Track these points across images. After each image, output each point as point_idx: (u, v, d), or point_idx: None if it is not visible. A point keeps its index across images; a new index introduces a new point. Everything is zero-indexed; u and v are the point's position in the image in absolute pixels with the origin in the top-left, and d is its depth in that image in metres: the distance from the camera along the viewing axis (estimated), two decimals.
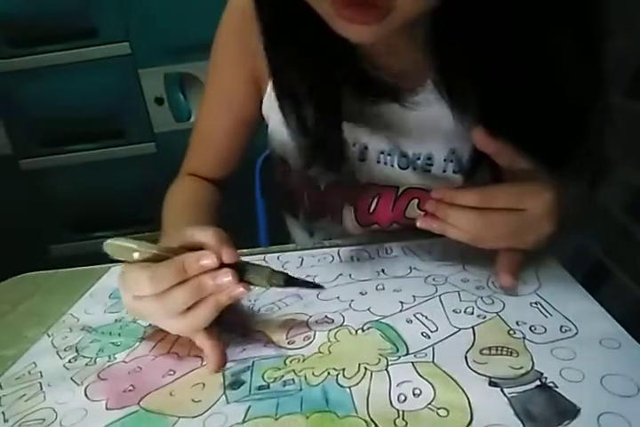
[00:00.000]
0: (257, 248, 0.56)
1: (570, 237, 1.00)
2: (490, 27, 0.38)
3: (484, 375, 0.30)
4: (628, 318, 0.85)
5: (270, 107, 0.56)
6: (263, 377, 0.32)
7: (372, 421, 0.27)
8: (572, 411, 0.26)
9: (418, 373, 0.31)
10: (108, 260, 0.36)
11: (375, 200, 0.56)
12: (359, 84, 0.48)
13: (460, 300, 0.39)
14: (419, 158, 0.53)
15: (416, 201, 0.55)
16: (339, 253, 0.51)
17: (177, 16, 1.44)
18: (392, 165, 0.53)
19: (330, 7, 0.33)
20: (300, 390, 0.31)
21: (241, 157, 0.64)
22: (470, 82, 0.43)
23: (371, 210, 0.57)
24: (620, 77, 0.84)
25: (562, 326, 0.34)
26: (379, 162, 0.54)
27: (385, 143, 0.53)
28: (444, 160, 0.52)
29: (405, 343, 0.34)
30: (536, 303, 0.37)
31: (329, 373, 0.32)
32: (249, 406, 0.30)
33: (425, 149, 0.52)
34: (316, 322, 0.38)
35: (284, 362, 0.34)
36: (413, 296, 0.40)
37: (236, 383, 0.32)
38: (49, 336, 0.40)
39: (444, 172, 0.53)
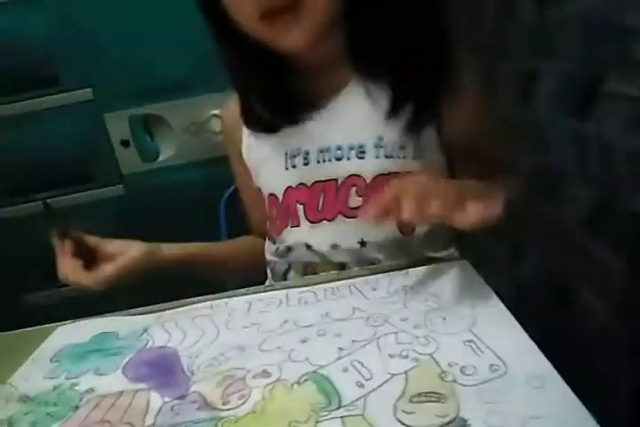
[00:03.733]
0: (207, 295, 0.55)
1: (529, 257, 1.01)
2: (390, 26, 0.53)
3: (408, 426, 0.30)
4: (592, 333, 0.85)
5: (248, 149, 0.68)
6: None
7: None
8: None
9: None
10: None
11: (321, 196, 0.61)
12: (290, 102, 0.61)
13: (397, 342, 0.39)
14: (352, 149, 0.60)
15: (355, 189, 0.60)
16: (287, 297, 0.51)
17: (137, 59, 1.46)
18: (330, 160, 0.60)
19: (263, 30, 0.51)
20: None
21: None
22: (385, 73, 0.57)
23: (319, 207, 0.62)
24: (568, 100, 0.87)
25: (492, 365, 0.34)
26: (318, 162, 0.61)
27: (322, 143, 0.61)
28: (375, 147, 0.59)
29: (339, 395, 0.34)
30: (469, 341, 0.37)
31: None
32: None
33: (356, 139, 0.60)
34: (254, 377, 0.38)
35: (216, 426, 0.33)
36: (352, 341, 0.40)
37: None
38: None
39: (377, 157, 0.59)
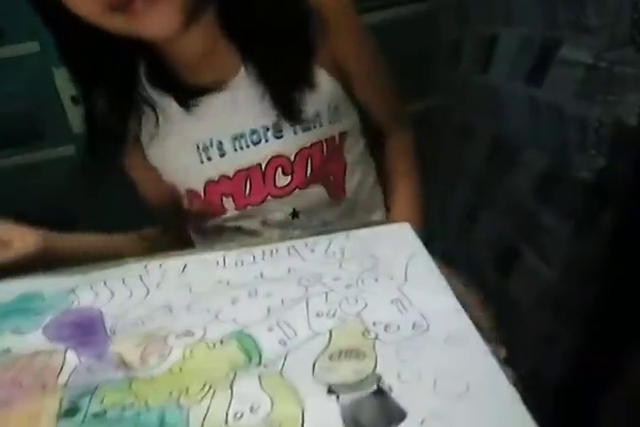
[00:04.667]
0: (141, 257, 0.53)
1: (481, 223, 1.03)
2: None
3: (326, 383, 0.29)
4: (538, 297, 0.88)
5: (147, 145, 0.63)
6: (102, 403, 0.30)
7: None
8: (399, 416, 0.26)
9: (262, 386, 0.30)
10: None
11: (247, 184, 0.60)
12: (181, 91, 0.58)
13: (326, 301, 0.38)
14: (268, 129, 0.58)
15: (280, 169, 0.59)
16: (224, 258, 0.49)
17: None
18: (248, 146, 0.59)
19: (116, 23, 0.47)
20: (138, 414, 0.29)
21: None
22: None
23: (246, 194, 0.60)
24: (521, 65, 0.86)
25: (415, 324, 0.34)
26: (235, 150, 0.59)
27: (234, 130, 0.58)
28: (290, 124, 0.57)
29: (260, 354, 0.33)
30: (396, 300, 0.37)
31: (172, 394, 0.30)
32: None
33: (269, 120, 0.57)
34: (176, 337, 0.36)
35: (130, 385, 0.32)
36: (282, 300, 0.39)
37: (71, 411, 0.30)
38: None
39: (295, 133, 0.58)
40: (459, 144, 1.12)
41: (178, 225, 0.71)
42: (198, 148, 0.59)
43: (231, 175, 0.60)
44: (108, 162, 0.64)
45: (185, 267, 0.49)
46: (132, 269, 0.49)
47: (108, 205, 0.65)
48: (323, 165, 0.61)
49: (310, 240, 0.50)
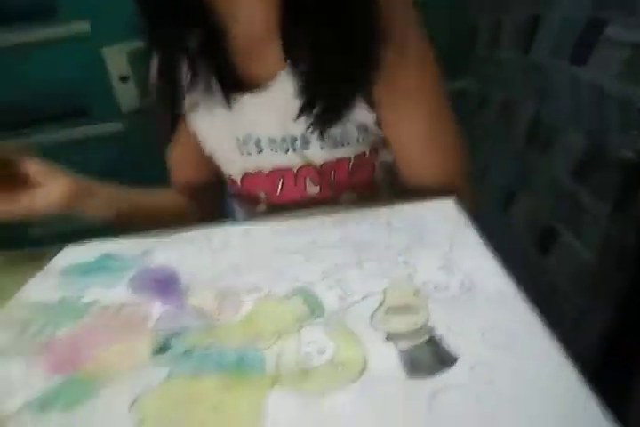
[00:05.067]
0: (205, 225, 0.58)
1: (520, 204, 1.04)
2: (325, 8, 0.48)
3: (383, 332, 0.33)
4: (574, 276, 0.90)
5: (191, 119, 0.64)
6: (188, 343, 0.35)
7: (278, 378, 0.31)
8: (451, 360, 0.30)
9: (326, 334, 0.34)
10: None
11: (280, 183, 0.62)
12: (230, 78, 0.58)
13: (379, 265, 0.42)
14: (296, 140, 0.59)
15: (309, 179, 0.61)
16: (279, 226, 0.54)
17: None
18: (279, 151, 0.60)
19: None
20: (220, 354, 0.34)
21: (206, 177, 0.71)
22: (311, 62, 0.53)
23: (277, 193, 0.63)
24: (565, 44, 0.86)
25: (462, 284, 0.37)
26: (272, 150, 0.61)
27: (270, 132, 0.59)
28: (318, 140, 0.58)
29: (322, 308, 0.37)
30: (444, 265, 0.40)
31: (247, 338, 0.35)
32: (171, 369, 0.33)
33: (297, 131, 0.58)
34: (247, 292, 0.41)
35: (210, 330, 0.37)
36: (337, 264, 0.43)
37: (162, 349, 0.35)
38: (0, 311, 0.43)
39: (322, 148, 0.59)
40: (498, 124, 1.13)
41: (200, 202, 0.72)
42: (238, 140, 0.62)
43: (266, 172, 0.63)
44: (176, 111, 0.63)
45: (246, 233, 0.53)
46: (199, 235, 0.54)
47: (149, 179, 0.69)
48: (350, 177, 0.62)
49: (357, 213, 0.54)
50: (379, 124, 0.58)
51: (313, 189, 0.62)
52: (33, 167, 0.52)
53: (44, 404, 0.31)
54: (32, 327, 0.40)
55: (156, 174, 0.74)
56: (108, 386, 0.32)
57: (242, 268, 0.45)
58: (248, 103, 0.58)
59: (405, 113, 0.56)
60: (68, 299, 0.44)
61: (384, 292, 0.38)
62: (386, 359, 0.31)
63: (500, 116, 1.13)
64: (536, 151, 0.97)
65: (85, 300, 0.44)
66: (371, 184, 0.64)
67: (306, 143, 0.59)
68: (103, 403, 0.31)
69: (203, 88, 0.59)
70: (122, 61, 1.49)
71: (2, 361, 0.36)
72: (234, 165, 0.64)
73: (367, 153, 0.61)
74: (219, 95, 0.59)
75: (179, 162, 0.71)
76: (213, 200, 0.75)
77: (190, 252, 0.50)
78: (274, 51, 0.55)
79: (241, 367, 0.32)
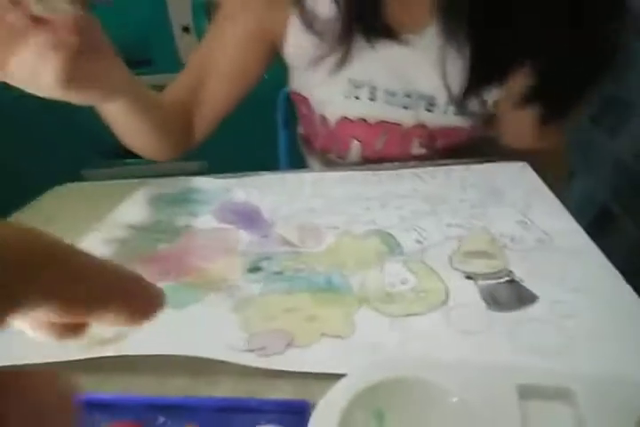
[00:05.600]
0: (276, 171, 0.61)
1: (578, 183, 1.03)
2: None
3: (463, 271, 0.36)
4: (629, 262, 0.89)
5: (294, 44, 0.58)
6: (279, 266, 0.39)
7: (365, 299, 0.34)
8: (531, 298, 0.32)
9: (407, 268, 0.37)
10: None
11: (383, 137, 0.61)
12: (370, 22, 0.53)
13: (454, 216, 0.44)
14: (422, 99, 0.57)
15: (418, 140, 0.60)
16: (352, 176, 0.56)
17: None
18: (396, 105, 0.58)
19: None
20: (309, 276, 0.37)
21: (218, 105, 0.63)
22: (469, 25, 0.49)
23: (377, 147, 0.62)
24: None
25: (539, 239, 0.39)
26: (386, 102, 0.58)
27: (392, 84, 0.57)
28: (446, 103, 0.56)
29: (401, 247, 0.40)
30: (521, 221, 0.42)
31: (334, 265, 0.38)
32: (264, 285, 0.36)
33: (427, 90, 0.56)
34: (326, 228, 0.44)
35: (297, 256, 0.40)
36: (413, 212, 0.46)
37: (255, 269, 0.39)
38: (97, 232, 0.47)
39: (445, 113, 0.57)
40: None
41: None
42: (350, 81, 0.58)
43: (372, 123, 0.60)
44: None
45: (319, 180, 0.56)
46: (275, 179, 0.57)
47: None
48: (459, 145, 0.61)
49: (431, 169, 0.55)
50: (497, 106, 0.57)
51: (417, 151, 0.61)
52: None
53: None
54: (131, 243, 0.45)
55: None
56: (210, 294, 0.36)
57: (318, 210, 0.48)
58: (381, 50, 0.55)
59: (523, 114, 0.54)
60: (163, 222, 0.48)
61: (461, 238, 0.40)
62: (467, 293, 0.33)
63: None
64: (603, 130, 0.95)
65: (178, 223, 0.47)
66: (467, 155, 0.62)
67: (432, 105, 0.57)
68: (208, 306, 0.34)
69: (341, 23, 0.53)
70: (185, 11, 1.50)
71: None
72: (333, 104, 0.60)
73: (480, 127, 0.59)
74: (354, 35, 0.54)
75: (194, 79, 0.61)
76: (198, 132, 0.64)
77: (268, 192, 0.53)
78: (424, 3, 0.52)
79: (330, 288, 0.35)
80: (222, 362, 0.29)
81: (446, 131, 0.59)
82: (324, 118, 0.63)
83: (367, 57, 0.55)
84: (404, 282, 0.35)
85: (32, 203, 0.57)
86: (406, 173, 0.55)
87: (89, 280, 0.16)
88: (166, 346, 0.30)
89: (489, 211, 0.44)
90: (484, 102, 0.56)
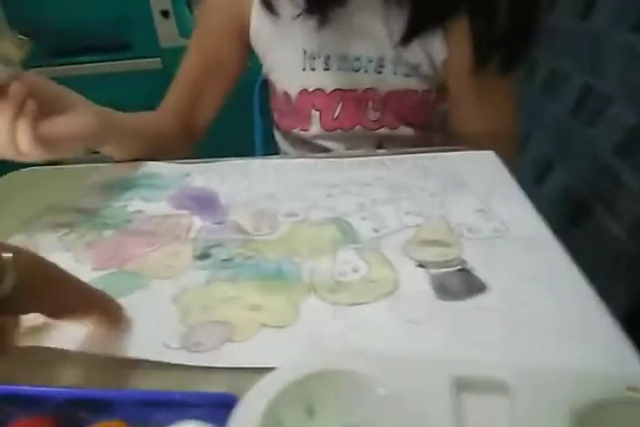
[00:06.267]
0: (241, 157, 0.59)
1: (556, 175, 1.02)
2: None
3: (415, 259, 0.35)
4: (606, 256, 0.89)
5: (256, 26, 0.61)
6: (228, 253, 0.37)
7: (313, 287, 0.33)
8: (481, 287, 0.31)
9: (360, 256, 0.36)
10: None
11: (339, 105, 0.62)
12: None
13: (414, 204, 0.43)
14: (371, 61, 0.59)
15: (371, 103, 0.62)
16: (316, 164, 0.54)
17: None
18: (349, 70, 0.60)
19: None
20: (259, 264, 0.36)
21: (214, 102, 0.67)
22: None
23: (335, 115, 0.63)
24: (627, 13, 0.82)
25: (496, 229, 0.38)
26: (339, 69, 0.60)
27: (343, 49, 0.59)
28: (393, 63, 0.59)
29: (356, 235, 0.39)
30: (480, 210, 0.41)
31: (286, 253, 0.37)
32: (211, 273, 0.35)
33: (375, 52, 0.59)
34: (284, 215, 0.43)
35: (249, 244, 0.39)
36: (373, 200, 0.44)
37: (204, 256, 0.37)
38: (46, 217, 0.45)
39: (395, 74, 0.60)
40: (544, 92, 1.10)
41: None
42: (305, 53, 0.60)
43: (328, 91, 0.62)
44: None
45: (281, 167, 0.54)
46: (236, 165, 0.55)
47: None
48: (412, 111, 0.63)
49: (397, 157, 0.54)
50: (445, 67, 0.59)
51: (372, 116, 0.62)
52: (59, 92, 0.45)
53: None
54: (78, 229, 0.43)
55: None
56: (153, 281, 0.34)
57: (278, 196, 0.47)
58: (328, 18, 0.57)
59: (470, 69, 0.57)
60: (114, 207, 0.46)
61: (417, 227, 0.39)
62: (417, 281, 0.32)
63: (547, 83, 1.10)
64: (581, 123, 0.95)
65: (130, 209, 0.46)
66: (426, 126, 0.65)
67: (380, 66, 0.59)
68: (150, 294, 0.33)
69: None
70: None
71: (50, 256, 0.38)
72: (291, 79, 0.63)
73: (432, 93, 0.62)
74: (301, 7, 0.57)
75: (190, 84, 0.65)
76: (201, 132, 0.69)
77: (228, 178, 0.51)
78: None
79: (278, 276, 0.34)
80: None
81: (397, 93, 0.61)
82: (286, 95, 0.65)
83: (319, 25, 0.57)
84: (355, 270, 0.34)
85: None
86: (371, 160, 0.54)
87: (73, 292, 0.27)
88: (96, 342, 0.28)
89: (448, 199, 0.43)
90: (431, 61, 0.58)
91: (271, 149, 0.94)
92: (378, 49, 0.59)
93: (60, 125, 0.42)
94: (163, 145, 0.59)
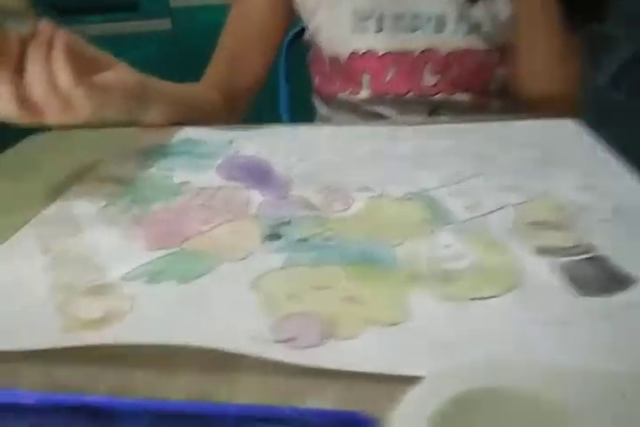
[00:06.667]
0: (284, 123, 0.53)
1: None
2: None
3: (531, 245, 0.29)
4: None
5: None
6: (302, 233, 0.32)
7: (416, 276, 0.27)
8: (625, 279, 0.26)
9: (462, 239, 0.30)
10: None
11: (392, 69, 0.58)
12: None
13: (506, 178, 0.37)
14: (430, 19, 0.55)
15: (429, 66, 0.57)
16: (373, 132, 0.49)
17: None
18: (405, 30, 0.55)
19: None
20: (339, 246, 0.30)
21: (257, 72, 0.64)
22: None
23: (387, 79, 0.58)
24: None
25: (616, 208, 0.32)
26: (394, 29, 0.55)
27: (398, 7, 0.55)
28: (456, 21, 0.54)
29: (449, 214, 0.33)
30: (586, 186, 0.35)
31: (370, 234, 0.31)
32: (288, 256, 0.29)
33: (437, 9, 0.55)
34: (356, 190, 0.37)
35: (324, 222, 0.33)
36: (457, 173, 0.39)
37: (274, 236, 0.32)
38: (82, 185, 0.40)
39: (456, 33, 0.55)
40: (590, 58, 1.02)
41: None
42: (355, 14, 0.56)
43: (380, 54, 0.57)
44: None
45: (335, 135, 0.48)
46: (283, 132, 0.49)
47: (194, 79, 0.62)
48: (472, 75, 0.59)
49: (470, 125, 0.48)
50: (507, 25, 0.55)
51: (429, 80, 0.58)
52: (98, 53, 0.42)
53: (154, 275, 0.28)
54: (120, 201, 0.37)
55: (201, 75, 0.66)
56: (221, 265, 0.29)
57: (342, 168, 0.41)
58: None
59: (542, 22, 0.53)
60: (157, 177, 0.41)
61: (519, 205, 0.34)
62: (542, 272, 0.27)
63: (593, 49, 1.02)
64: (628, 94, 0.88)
65: (176, 180, 0.40)
66: (484, 92, 0.60)
67: (441, 24, 0.55)
68: (222, 279, 0.28)
69: None
70: None
71: (93, 232, 0.33)
72: (341, 42, 0.58)
73: (494, 54, 0.57)
74: None
75: (231, 55, 0.62)
76: (243, 104, 0.65)
77: (279, 146, 0.46)
78: None
79: (368, 261, 0.29)
80: (237, 355, 0.22)
81: (459, 55, 0.56)
82: (334, 58, 0.60)
83: None
84: (459, 257, 0.29)
85: (7, 151, 0.49)
86: (438, 128, 0.48)
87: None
88: (173, 333, 0.23)
89: (546, 174, 0.37)
90: (494, 19, 0.54)
91: (298, 118, 0.88)
92: (440, 5, 0.54)
93: (109, 78, 0.39)
94: (204, 117, 0.53)
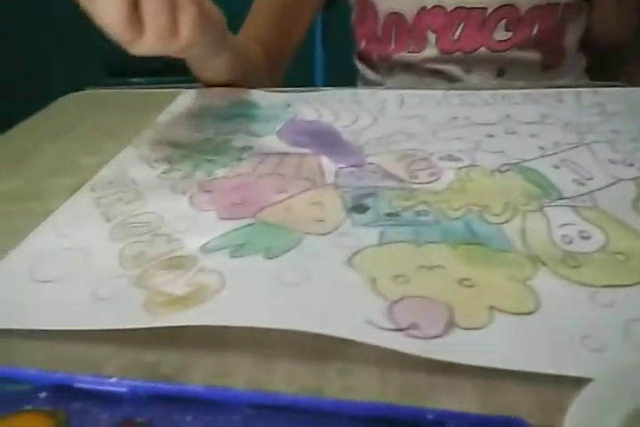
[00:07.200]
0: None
1: None
2: None
3: None
4: None
5: None
6: (390, 205, 0.28)
7: (537, 258, 0.23)
8: None
9: (581, 216, 0.26)
10: None
11: (461, 26, 0.53)
12: None
13: (615, 150, 0.33)
14: None
15: (504, 22, 0.52)
16: (445, 96, 0.44)
17: None
18: None
19: None
20: (438, 222, 0.27)
21: (300, 31, 0.59)
22: None
23: (455, 36, 0.54)
24: None
25: None
26: None
27: None
28: None
29: (557, 188, 0.29)
30: None
31: (470, 208, 0.28)
32: (381, 231, 0.26)
33: None
34: (440, 159, 0.33)
35: (413, 194, 0.29)
36: (555, 143, 0.34)
37: (360, 208, 0.28)
38: (134, 148, 0.36)
39: None
40: None
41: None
42: None
43: (449, 9, 0.52)
44: None
45: (403, 100, 0.44)
46: (345, 95, 0.45)
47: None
48: (549, 31, 0.54)
49: (551, 91, 0.43)
50: None
51: (500, 35, 0.53)
52: None
53: (237, 248, 0.24)
54: (180, 166, 0.34)
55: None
56: (308, 238, 0.25)
57: (420, 135, 0.37)
58: None
59: None
60: (215, 141, 0.37)
61: (636, 182, 0.29)
62: None
63: None
64: None
65: (235, 144, 0.36)
66: (556, 52, 0.56)
67: None
68: (311, 255, 0.24)
69: None
70: None
71: (157, 198, 0.30)
72: None
73: (574, 8, 0.54)
74: None
75: (273, 13, 0.57)
76: (285, 64, 0.60)
77: (341, 111, 0.41)
78: None
79: (474, 239, 0.25)
80: (344, 342, 0.19)
81: (539, 9, 0.52)
82: (395, 15, 0.55)
83: None
84: (584, 237, 0.25)
85: (46, 108, 0.46)
86: (518, 93, 0.43)
87: None
88: (274, 315, 0.20)
89: None
90: None
91: (335, 82, 0.83)
92: None
93: (209, 6, 0.35)
94: (256, 75, 0.50)
